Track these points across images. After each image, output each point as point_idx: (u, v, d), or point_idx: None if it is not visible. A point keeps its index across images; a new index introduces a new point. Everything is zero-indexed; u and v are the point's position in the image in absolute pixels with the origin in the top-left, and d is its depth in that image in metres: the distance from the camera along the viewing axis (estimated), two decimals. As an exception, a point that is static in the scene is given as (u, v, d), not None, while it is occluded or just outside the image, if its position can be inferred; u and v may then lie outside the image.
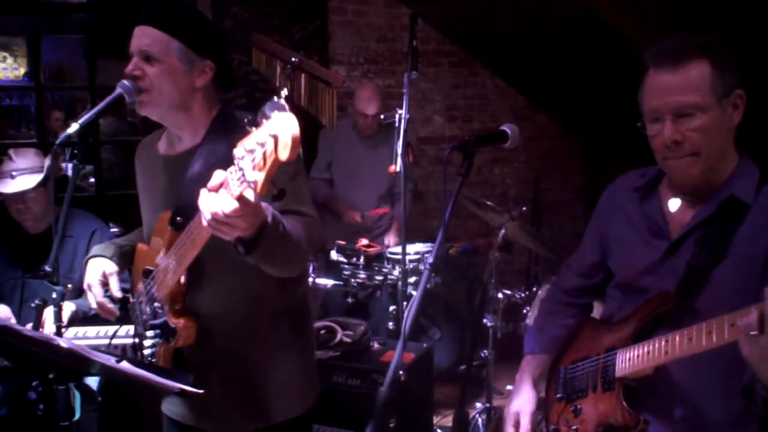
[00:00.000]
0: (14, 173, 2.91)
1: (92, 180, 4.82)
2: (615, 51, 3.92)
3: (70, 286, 2.01)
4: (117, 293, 1.88)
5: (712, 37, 1.60)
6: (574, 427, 1.77)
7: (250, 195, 1.35)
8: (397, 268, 3.59)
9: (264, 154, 1.26)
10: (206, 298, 1.80)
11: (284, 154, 1.24)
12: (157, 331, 1.79)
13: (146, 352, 1.82)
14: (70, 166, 1.83)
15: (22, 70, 7.02)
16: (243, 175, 1.30)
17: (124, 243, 2.02)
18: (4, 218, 3.07)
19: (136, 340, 1.93)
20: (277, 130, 1.24)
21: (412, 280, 3.56)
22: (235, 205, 1.35)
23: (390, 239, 4.35)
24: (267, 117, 1.28)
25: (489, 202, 3.58)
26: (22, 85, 6.90)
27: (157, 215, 1.85)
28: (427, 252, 3.81)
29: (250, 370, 1.85)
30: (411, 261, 3.64)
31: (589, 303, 2.01)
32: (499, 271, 3.62)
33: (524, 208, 3.79)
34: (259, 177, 1.28)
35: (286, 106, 1.29)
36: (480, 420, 3.59)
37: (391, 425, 2.65)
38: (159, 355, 1.82)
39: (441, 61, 5.25)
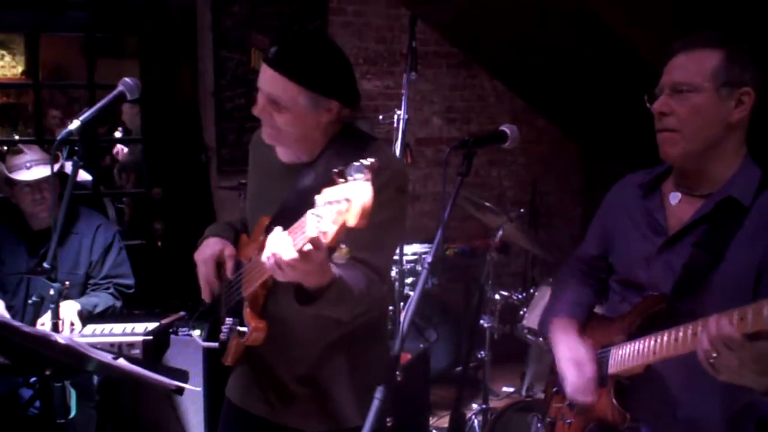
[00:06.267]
0: (29, 164, 2.96)
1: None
2: (614, 55, 3.93)
3: (68, 283, 2.01)
4: (230, 276, 1.87)
5: (744, 39, 1.61)
6: (569, 421, 1.79)
7: (313, 252, 1.39)
8: (394, 268, 3.59)
9: (339, 211, 1.29)
10: (288, 305, 1.75)
11: (352, 221, 1.28)
12: (236, 321, 1.80)
13: (222, 336, 1.84)
14: (69, 164, 1.84)
15: (20, 68, 7.02)
16: (319, 222, 1.33)
17: (237, 226, 2.02)
18: (10, 215, 3.08)
19: (215, 319, 1.93)
20: (352, 195, 1.28)
21: (409, 280, 3.56)
22: (295, 256, 1.39)
23: None
24: (350, 176, 1.31)
25: (487, 203, 3.58)
26: (20, 83, 6.90)
27: (258, 216, 1.85)
28: (425, 253, 3.81)
29: (322, 376, 1.85)
30: (408, 262, 3.65)
31: (603, 289, 1.96)
32: (496, 272, 3.63)
33: (522, 210, 3.80)
34: (332, 229, 1.31)
35: (369, 174, 1.31)
36: (476, 421, 3.59)
37: (388, 424, 2.65)
38: (230, 348, 1.83)
39: (440, 63, 5.25)
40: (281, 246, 1.42)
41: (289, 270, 1.44)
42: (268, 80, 1.72)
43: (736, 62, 1.58)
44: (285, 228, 1.53)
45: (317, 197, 1.34)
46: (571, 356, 1.76)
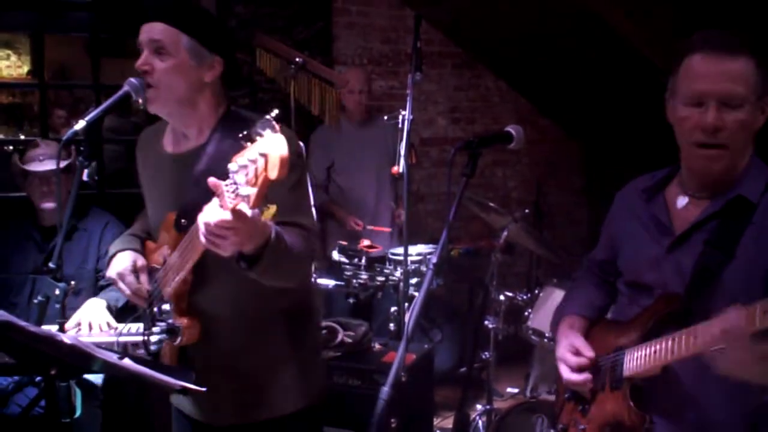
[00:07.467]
0: (42, 156, 3.07)
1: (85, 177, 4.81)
2: (618, 55, 3.92)
3: (73, 282, 2.01)
4: (148, 286, 1.87)
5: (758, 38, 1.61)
6: (582, 427, 1.77)
7: (245, 209, 1.37)
8: (398, 269, 3.59)
9: (256, 170, 1.31)
10: (209, 298, 1.81)
11: (273, 173, 1.30)
12: (164, 329, 1.80)
13: (152, 348, 1.84)
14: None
15: (25, 68, 7.02)
16: (237, 189, 1.34)
17: (141, 235, 2.02)
18: (23, 213, 3.13)
19: (144, 337, 1.93)
20: (267, 150, 1.30)
21: (414, 281, 3.56)
22: (228, 216, 1.37)
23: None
24: (260, 135, 1.33)
25: (491, 204, 3.58)
26: (25, 83, 6.91)
27: (162, 214, 1.85)
28: (429, 253, 3.80)
29: (250, 366, 1.87)
30: (413, 262, 3.64)
31: (615, 292, 1.96)
32: (500, 273, 3.62)
33: (526, 211, 3.79)
34: (252, 192, 1.33)
35: (276, 126, 1.34)
36: (480, 422, 3.58)
37: (393, 425, 2.65)
38: (165, 352, 1.84)
39: (444, 63, 5.25)
40: (213, 214, 1.41)
41: (228, 234, 1.42)
42: (151, 29, 1.77)
43: (765, 71, 1.57)
44: (193, 220, 1.54)
45: (230, 165, 1.35)
46: (568, 343, 1.78)
